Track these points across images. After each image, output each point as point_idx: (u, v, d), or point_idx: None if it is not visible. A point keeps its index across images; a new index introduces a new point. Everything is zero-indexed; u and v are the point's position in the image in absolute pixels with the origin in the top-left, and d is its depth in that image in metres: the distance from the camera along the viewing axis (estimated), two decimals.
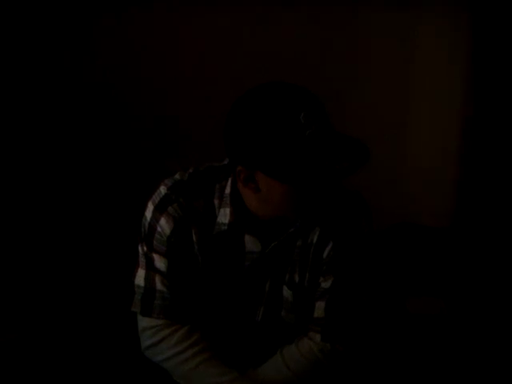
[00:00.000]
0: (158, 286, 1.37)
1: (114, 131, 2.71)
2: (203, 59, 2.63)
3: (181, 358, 1.36)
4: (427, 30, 2.62)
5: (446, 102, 2.69)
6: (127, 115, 2.69)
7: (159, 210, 1.35)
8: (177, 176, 1.39)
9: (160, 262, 1.37)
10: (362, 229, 1.38)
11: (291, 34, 2.62)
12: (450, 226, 2.69)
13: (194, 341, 1.37)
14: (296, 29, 2.62)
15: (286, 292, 1.40)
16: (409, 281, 2.37)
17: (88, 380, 1.77)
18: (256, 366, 1.40)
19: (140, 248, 1.40)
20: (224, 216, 1.33)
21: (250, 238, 1.35)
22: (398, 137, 2.75)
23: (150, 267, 1.38)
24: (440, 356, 1.99)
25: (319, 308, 1.38)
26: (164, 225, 1.34)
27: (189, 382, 1.36)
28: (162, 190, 1.37)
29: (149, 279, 1.38)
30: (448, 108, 2.69)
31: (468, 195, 2.68)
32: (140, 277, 1.39)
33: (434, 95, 2.69)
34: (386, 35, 2.64)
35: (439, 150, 2.73)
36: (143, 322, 1.40)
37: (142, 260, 1.40)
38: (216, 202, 1.35)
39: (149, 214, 1.37)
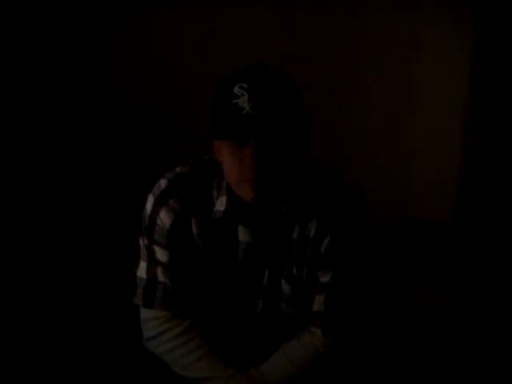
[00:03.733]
0: (160, 277, 1.39)
1: (114, 131, 2.71)
2: (203, 59, 2.63)
3: (181, 351, 1.37)
4: (429, 30, 2.62)
5: (448, 99, 2.68)
6: (127, 115, 2.69)
7: (159, 203, 1.37)
8: (178, 169, 1.41)
9: (161, 254, 1.39)
10: (359, 223, 1.37)
11: (291, 33, 2.62)
12: (451, 222, 2.70)
13: (196, 334, 1.39)
14: (296, 29, 2.63)
15: (284, 286, 1.40)
16: (411, 274, 2.38)
17: (87, 373, 1.78)
18: (257, 360, 1.40)
19: (141, 240, 1.42)
20: (221, 204, 1.36)
21: (242, 228, 1.37)
22: (401, 134, 2.75)
23: (152, 259, 1.40)
24: (442, 350, 1.99)
25: (318, 302, 1.38)
26: (164, 217, 1.37)
27: (188, 373, 1.37)
28: (163, 182, 1.39)
29: (150, 271, 1.39)
30: (451, 105, 2.69)
31: (470, 191, 2.69)
32: (142, 269, 1.41)
33: (436, 93, 2.69)
34: (387, 35, 2.64)
35: (441, 146, 2.73)
36: (145, 313, 1.42)
37: (143, 252, 1.41)
38: (215, 192, 1.37)
39: (149, 206, 1.39)
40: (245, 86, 1.22)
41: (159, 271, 1.39)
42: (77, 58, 2.63)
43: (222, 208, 1.35)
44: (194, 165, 1.41)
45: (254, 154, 1.22)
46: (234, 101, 1.21)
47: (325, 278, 1.37)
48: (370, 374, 1.52)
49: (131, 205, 2.58)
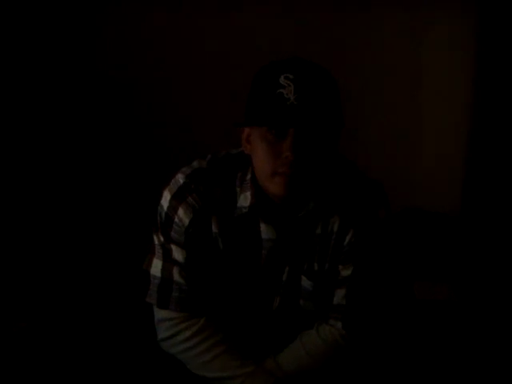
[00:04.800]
0: (176, 277, 1.35)
1: (115, 130, 2.71)
2: (204, 59, 2.64)
3: (197, 351, 1.35)
4: (430, 29, 2.64)
5: (454, 90, 2.71)
6: (129, 114, 2.70)
7: (177, 200, 1.33)
8: (195, 164, 1.37)
9: (178, 253, 1.34)
10: (380, 216, 1.37)
11: (291, 33, 2.62)
12: (458, 213, 2.70)
13: (210, 333, 1.36)
14: (296, 29, 2.63)
15: (305, 282, 1.39)
16: (416, 266, 2.37)
17: (101, 371, 1.76)
18: (274, 353, 1.39)
19: (156, 238, 1.37)
20: (245, 200, 1.32)
21: (265, 226, 1.34)
22: (407, 127, 2.76)
23: (167, 258, 1.35)
24: (446, 341, 1.98)
25: (339, 295, 1.37)
26: (182, 215, 1.32)
27: (204, 373, 1.36)
28: (180, 178, 1.34)
29: (166, 270, 1.35)
30: (455, 96, 2.71)
31: (475, 184, 2.69)
32: (156, 267, 1.36)
33: (439, 88, 2.71)
34: (387, 35, 2.65)
35: (448, 138, 2.75)
36: (159, 313, 1.38)
37: (158, 250, 1.37)
38: (238, 189, 1.33)
39: (165, 203, 1.34)
40: (291, 76, 1.20)
41: (175, 271, 1.34)
42: (76, 58, 2.64)
43: (247, 204, 1.32)
44: (212, 160, 1.37)
45: (294, 146, 1.21)
46: (279, 90, 1.20)
47: (346, 272, 1.37)
48: (376, 365, 1.51)
49: (140, 200, 2.58)
